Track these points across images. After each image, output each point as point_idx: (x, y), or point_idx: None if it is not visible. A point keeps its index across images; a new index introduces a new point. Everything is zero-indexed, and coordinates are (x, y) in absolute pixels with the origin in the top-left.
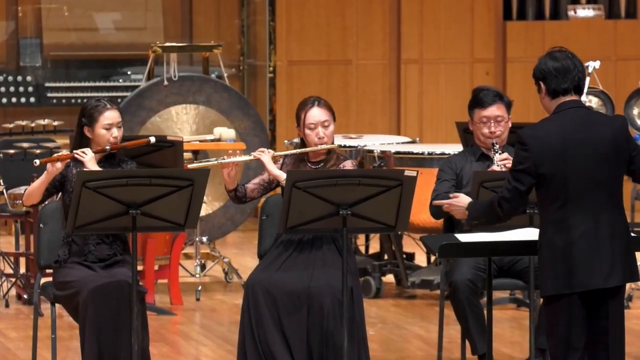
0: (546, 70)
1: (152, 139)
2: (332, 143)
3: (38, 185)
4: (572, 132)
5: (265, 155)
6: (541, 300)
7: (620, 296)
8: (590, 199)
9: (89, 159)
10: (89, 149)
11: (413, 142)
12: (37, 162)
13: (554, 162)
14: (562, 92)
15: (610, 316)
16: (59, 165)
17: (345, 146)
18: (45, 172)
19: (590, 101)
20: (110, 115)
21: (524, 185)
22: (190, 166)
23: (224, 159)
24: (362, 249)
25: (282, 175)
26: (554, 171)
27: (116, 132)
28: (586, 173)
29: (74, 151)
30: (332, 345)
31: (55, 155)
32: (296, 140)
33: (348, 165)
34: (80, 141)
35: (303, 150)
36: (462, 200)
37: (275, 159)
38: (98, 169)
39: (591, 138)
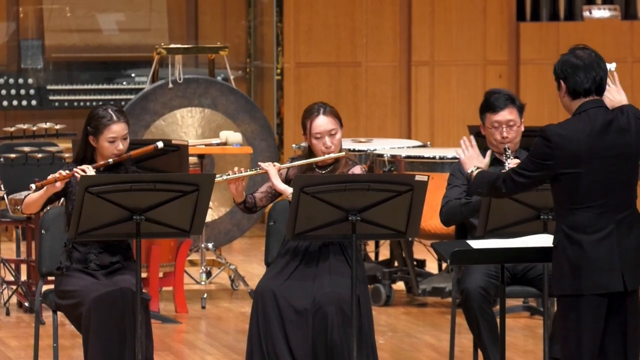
0: (568, 70)
1: (160, 144)
2: (340, 150)
3: (37, 197)
4: (598, 134)
5: (272, 169)
6: (555, 308)
7: (636, 297)
8: (611, 202)
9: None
10: (89, 166)
11: (424, 146)
12: (33, 186)
13: (577, 163)
14: (584, 92)
15: (629, 318)
16: (58, 184)
17: (354, 150)
18: (45, 188)
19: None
20: (116, 129)
21: (539, 177)
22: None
23: (229, 175)
24: (372, 255)
25: (287, 190)
26: (577, 172)
27: (121, 146)
28: (609, 176)
29: (74, 169)
30: (337, 356)
31: (53, 176)
32: (304, 144)
33: (357, 170)
34: (85, 148)
35: (309, 161)
36: (474, 158)
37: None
38: None
39: (616, 141)
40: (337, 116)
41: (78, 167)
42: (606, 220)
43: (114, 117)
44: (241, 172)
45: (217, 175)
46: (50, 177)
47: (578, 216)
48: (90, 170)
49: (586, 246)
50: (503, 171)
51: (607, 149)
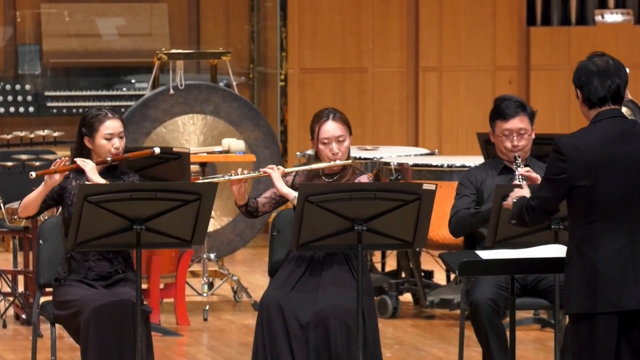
0: (583, 77)
1: (157, 150)
2: (348, 158)
3: (35, 196)
4: (612, 145)
5: (274, 172)
6: (567, 320)
7: None
8: (625, 215)
9: (90, 169)
10: (89, 160)
11: (432, 154)
12: (33, 174)
13: (591, 175)
14: (598, 102)
15: None
16: (57, 177)
17: (360, 158)
18: (43, 183)
19: None
20: (112, 125)
21: (555, 196)
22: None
23: (231, 175)
24: (379, 266)
25: (291, 194)
26: (590, 185)
27: (117, 143)
28: (623, 188)
29: (76, 159)
30: None
31: (53, 166)
32: (309, 152)
33: (364, 179)
34: (81, 152)
35: (314, 166)
36: (519, 192)
37: (287, 173)
38: (99, 179)
39: (631, 152)
40: (347, 123)
41: (79, 159)
42: (620, 235)
43: (109, 114)
44: (244, 174)
45: (219, 175)
46: (51, 167)
47: (590, 230)
48: (90, 162)
49: (598, 262)
50: (526, 198)
51: (622, 160)
